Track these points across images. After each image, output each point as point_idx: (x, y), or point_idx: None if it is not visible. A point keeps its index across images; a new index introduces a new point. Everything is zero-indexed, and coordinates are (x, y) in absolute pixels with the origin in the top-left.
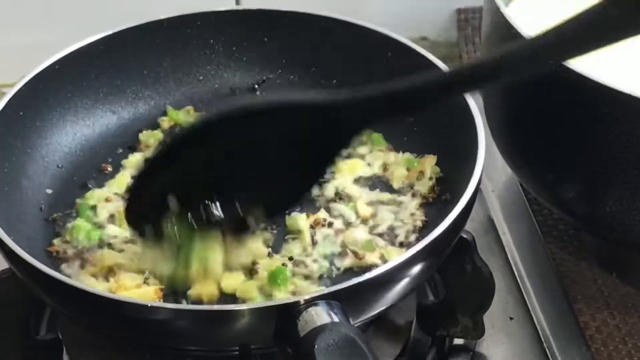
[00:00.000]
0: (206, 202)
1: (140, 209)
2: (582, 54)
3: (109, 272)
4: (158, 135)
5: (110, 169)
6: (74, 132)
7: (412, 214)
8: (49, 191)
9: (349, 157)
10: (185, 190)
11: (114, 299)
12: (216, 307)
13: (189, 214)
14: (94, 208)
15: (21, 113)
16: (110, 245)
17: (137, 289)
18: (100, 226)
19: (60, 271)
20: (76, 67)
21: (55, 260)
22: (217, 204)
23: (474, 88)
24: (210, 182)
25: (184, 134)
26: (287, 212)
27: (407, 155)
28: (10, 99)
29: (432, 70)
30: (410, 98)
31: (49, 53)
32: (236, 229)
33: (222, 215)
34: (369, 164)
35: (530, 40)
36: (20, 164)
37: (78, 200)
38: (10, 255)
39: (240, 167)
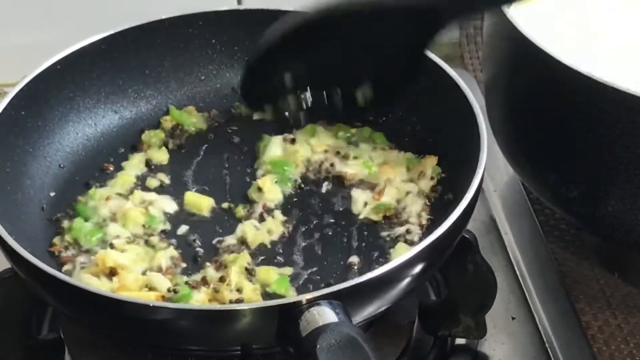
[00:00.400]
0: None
1: (256, 87)
2: None
3: (111, 273)
4: (160, 134)
5: (112, 168)
6: (75, 132)
7: (419, 214)
8: (51, 191)
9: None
10: (297, 76)
11: (115, 298)
12: (218, 306)
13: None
14: (95, 208)
15: (23, 113)
16: (112, 245)
17: (138, 292)
18: (101, 226)
19: (62, 271)
20: (78, 67)
21: (57, 259)
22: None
23: None
24: (320, 71)
25: (297, 24)
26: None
27: (409, 154)
28: (12, 99)
29: None
30: None
31: (51, 53)
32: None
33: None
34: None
35: None
36: (22, 163)
37: (80, 198)
38: (12, 254)
39: (347, 61)
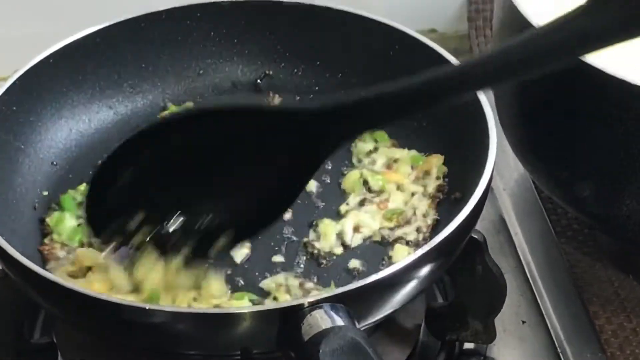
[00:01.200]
0: (168, 219)
1: (101, 210)
2: (605, 47)
3: (87, 272)
4: None
5: None
6: (69, 128)
7: (424, 214)
8: (43, 189)
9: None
10: (147, 201)
11: (110, 301)
12: (216, 309)
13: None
14: (80, 203)
15: (14, 108)
16: (91, 245)
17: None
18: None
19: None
20: (72, 61)
21: (45, 259)
22: (181, 220)
23: (480, 87)
24: (176, 195)
25: (147, 133)
26: (257, 235)
27: (414, 152)
28: (3, 94)
29: (436, 68)
30: (405, 100)
31: (44, 46)
32: (198, 252)
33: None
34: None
35: (546, 30)
36: (13, 160)
37: (70, 191)
38: (2, 255)
39: (209, 180)
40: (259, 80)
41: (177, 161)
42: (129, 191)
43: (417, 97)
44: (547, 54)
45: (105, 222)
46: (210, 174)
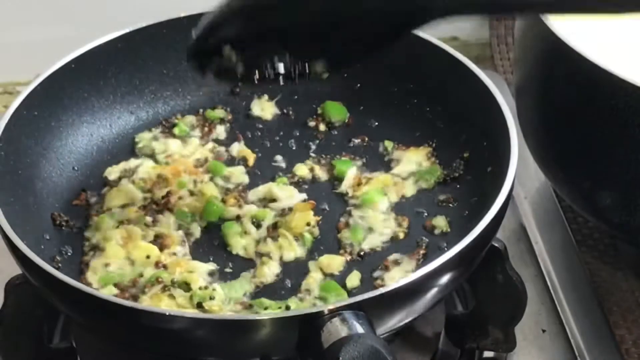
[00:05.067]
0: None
1: (204, 51)
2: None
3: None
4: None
5: None
6: (90, 133)
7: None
8: (64, 194)
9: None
10: (249, 39)
11: (130, 307)
12: (236, 316)
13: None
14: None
15: (36, 113)
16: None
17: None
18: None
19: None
20: (93, 66)
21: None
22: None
23: None
24: (276, 35)
25: None
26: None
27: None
28: (25, 98)
29: None
30: None
31: (66, 51)
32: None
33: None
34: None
35: None
36: (34, 165)
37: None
38: (24, 260)
39: (308, 21)
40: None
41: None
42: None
43: None
44: None
45: (206, 61)
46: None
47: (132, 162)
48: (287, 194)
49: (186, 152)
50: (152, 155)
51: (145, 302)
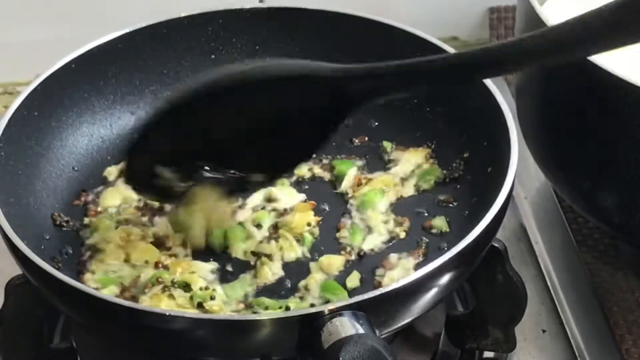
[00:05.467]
0: (204, 165)
1: (139, 171)
2: (610, 49)
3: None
4: None
5: None
6: (90, 133)
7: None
8: (64, 194)
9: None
10: (183, 153)
11: (130, 307)
12: (236, 316)
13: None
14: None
15: (36, 113)
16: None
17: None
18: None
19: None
20: (93, 66)
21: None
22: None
23: (492, 73)
24: (209, 146)
25: (180, 100)
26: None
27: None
28: (25, 99)
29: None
30: (420, 73)
31: (66, 51)
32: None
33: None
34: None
35: (557, 27)
36: (34, 166)
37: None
38: (24, 260)
39: (239, 132)
40: None
41: (207, 120)
42: (163, 150)
43: (436, 71)
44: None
45: (143, 181)
46: (239, 128)
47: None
48: (287, 195)
49: None
50: None
51: (145, 303)
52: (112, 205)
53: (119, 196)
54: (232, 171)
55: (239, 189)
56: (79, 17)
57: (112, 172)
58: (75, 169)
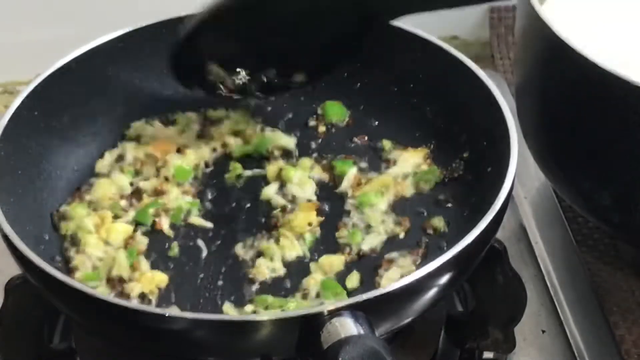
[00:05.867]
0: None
1: (187, 64)
2: None
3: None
4: None
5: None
6: (90, 133)
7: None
8: (64, 194)
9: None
10: (229, 51)
11: (130, 307)
12: (236, 316)
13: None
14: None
15: (36, 113)
16: None
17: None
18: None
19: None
20: (93, 66)
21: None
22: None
23: None
24: (252, 45)
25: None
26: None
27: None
28: (25, 98)
29: None
30: None
31: (66, 50)
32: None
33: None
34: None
35: None
36: (34, 165)
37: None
38: (24, 260)
39: (279, 32)
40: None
41: (249, 20)
42: (206, 49)
43: None
44: None
45: (187, 74)
46: (279, 28)
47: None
48: (301, 182)
49: (182, 141)
50: (138, 139)
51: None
52: (105, 196)
53: (109, 186)
54: (274, 71)
55: (282, 89)
56: (79, 17)
57: (101, 166)
58: (75, 168)
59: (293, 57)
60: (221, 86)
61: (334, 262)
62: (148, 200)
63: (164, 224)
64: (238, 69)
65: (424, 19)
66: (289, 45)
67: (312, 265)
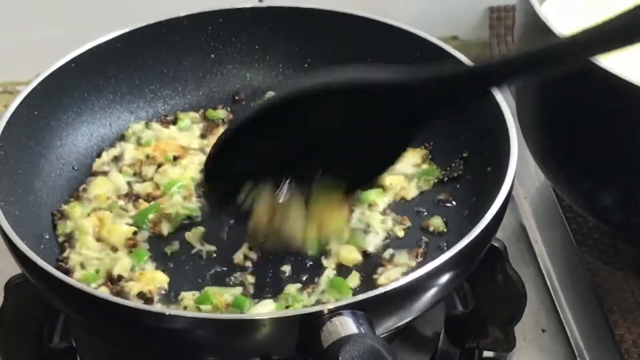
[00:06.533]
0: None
1: (218, 183)
2: (611, 50)
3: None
4: None
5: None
6: (90, 133)
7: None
8: (64, 194)
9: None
10: (262, 167)
11: (130, 306)
12: (236, 316)
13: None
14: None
15: (35, 112)
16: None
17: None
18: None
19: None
20: (93, 65)
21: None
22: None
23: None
24: (289, 159)
25: (259, 112)
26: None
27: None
28: (25, 98)
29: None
30: (483, 78)
31: (65, 50)
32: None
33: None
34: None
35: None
36: (33, 165)
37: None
38: (24, 260)
39: (317, 146)
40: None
41: (287, 133)
42: (243, 162)
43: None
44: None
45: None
46: (317, 141)
47: (116, 150)
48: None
49: (184, 142)
50: (138, 141)
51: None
52: (102, 194)
53: (105, 185)
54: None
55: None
56: (79, 17)
57: (99, 165)
58: (75, 168)
59: (329, 172)
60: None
61: (350, 255)
62: (145, 203)
63: (164, 229)
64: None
65: (424, 19)
66: (323, 160)
67: (324, 261)
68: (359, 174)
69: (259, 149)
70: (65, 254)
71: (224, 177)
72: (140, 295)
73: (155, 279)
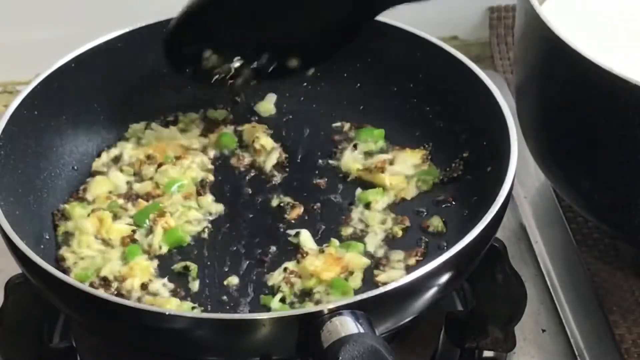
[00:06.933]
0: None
1: (179, 50)
2: None
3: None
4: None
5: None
6: (89, 133)
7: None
8: (64, 194)
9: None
10: (222, 36)
11: (130, 306)
12: (236, 316)
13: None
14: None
15: (36, 112)
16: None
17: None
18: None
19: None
20: (93, 65)
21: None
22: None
23: None
24: (246, 30)
25: None
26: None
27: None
28: (25, 98)
29: None
30: None
31: (65, 50)
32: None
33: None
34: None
35: None
36: (34, 165)
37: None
38: (24, 260)
39: (273, 16)
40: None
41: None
42: (202, 34)
43: None
44: None
45: (181, 61)
46: (273, 13)
47: (116, 150)
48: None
49: (184, 142)
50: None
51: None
52: (101, 194)
53: (105, 184)
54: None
55: (276, 75)
56: (79, 17)
57: (98, 165)
58: (75, 168)
59: (287, 42)
60: (216, 73)
61: (356, 260)
62: (145, 203)
63: (164, 227)
64: (233, 55)
65: (424, 19)
66: (283, 30)
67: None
68: (312, 50)
69: (219, 23)
70: (63, 253)
71: (187, 47)
72: (144, 287)
73: (149, 268)
